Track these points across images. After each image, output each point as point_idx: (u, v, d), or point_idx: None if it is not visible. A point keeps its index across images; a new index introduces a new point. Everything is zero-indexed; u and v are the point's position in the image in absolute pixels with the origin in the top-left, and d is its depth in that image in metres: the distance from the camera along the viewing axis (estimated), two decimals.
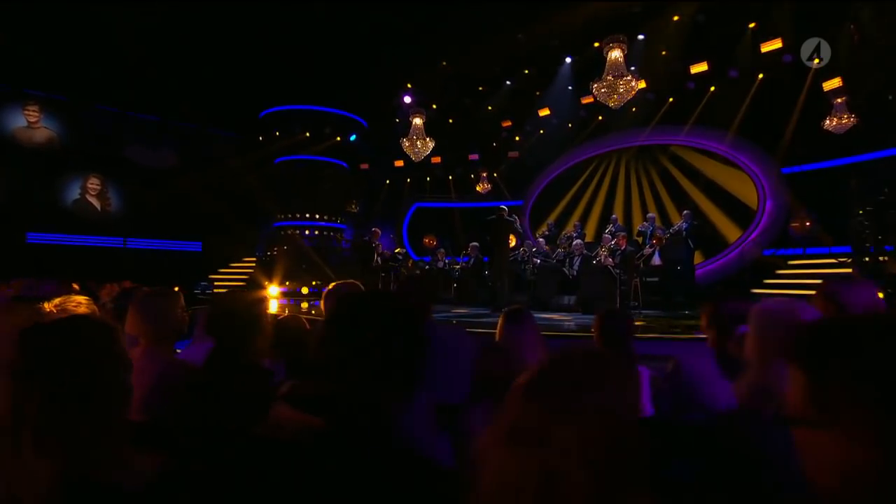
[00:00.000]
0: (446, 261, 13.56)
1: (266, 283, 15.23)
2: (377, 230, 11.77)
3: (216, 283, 15.14)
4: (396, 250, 12.97)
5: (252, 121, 17.04)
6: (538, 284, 10.96)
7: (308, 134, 15.87)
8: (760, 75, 12.13)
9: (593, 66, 13.82)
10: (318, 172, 16.48)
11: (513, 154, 17.76)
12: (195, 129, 17.09)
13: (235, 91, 15.09)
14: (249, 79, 14.70)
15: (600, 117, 15.25)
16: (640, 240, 11.92)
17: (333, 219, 16.74)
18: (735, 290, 11.24)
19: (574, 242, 11.02)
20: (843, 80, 11.14)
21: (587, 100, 14.83)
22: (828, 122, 10.92)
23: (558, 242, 12.36)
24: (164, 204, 15.55)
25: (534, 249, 11.69)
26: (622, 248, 10.31)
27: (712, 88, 12.71)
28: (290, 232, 16.18)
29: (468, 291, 11.86)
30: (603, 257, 10.07)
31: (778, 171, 12.38)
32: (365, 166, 18.17)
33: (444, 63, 14.66)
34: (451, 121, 17.15)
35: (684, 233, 11.46)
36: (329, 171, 16.65)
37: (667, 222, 12.74)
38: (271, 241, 16.55)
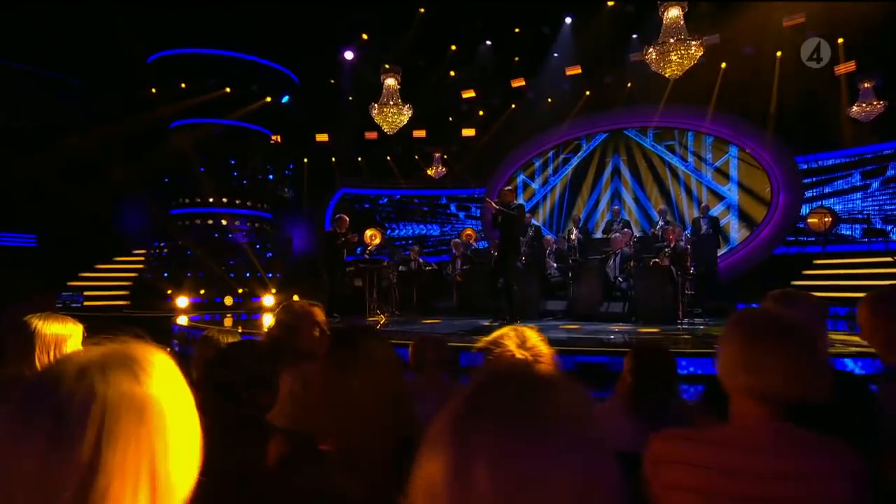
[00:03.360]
0: (421, 260, 11.88)
1: (168, 291, 12.31)
2: (344, 217, 9.79)
3: (87, 292, 12.01)
4: (370, 247, 10.99)
5: (137, 68, 13.62)
6: (571, 288, 9.72)
7: (228, 90, 13.00)
8: (779, 53, 11.92)
9: (596, 31, 12.97)
10: (236, 143, 13.66)
11: (468, 132, 16.33)
12: (35, 75, 13.30)
13: (105, 25, 11.72)
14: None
15: (588, 92, 14.34)
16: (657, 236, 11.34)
17: (260, 205, 14.05)
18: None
19: (614, 236, 9.97)
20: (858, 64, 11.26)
21: (573, 70, 13.98)
22: (855, 108, 10.92)
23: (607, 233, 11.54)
24: None
25: (554, 247, 10.44)
26: (671, 244, 9.42)
27: (723, 65, 12.31)
28: (206, 222, 13.21)
29: (470, 298, 10.26)
30: (662, 256, 9.10)
31: (792, 159, 12.31)
32: (276, 138, 15.56)
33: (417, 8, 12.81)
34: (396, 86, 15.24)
35: (707, 229, 11.01)
36: (254, 142, 13.93)
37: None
38: (168, 235, 13.45)
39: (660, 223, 12.03)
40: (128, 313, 12.03)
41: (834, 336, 7.20)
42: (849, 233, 12.13)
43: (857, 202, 12.21)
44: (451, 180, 16.77)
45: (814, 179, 12.60)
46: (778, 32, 11.61)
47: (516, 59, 14.40)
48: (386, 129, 11.57)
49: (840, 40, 11.29)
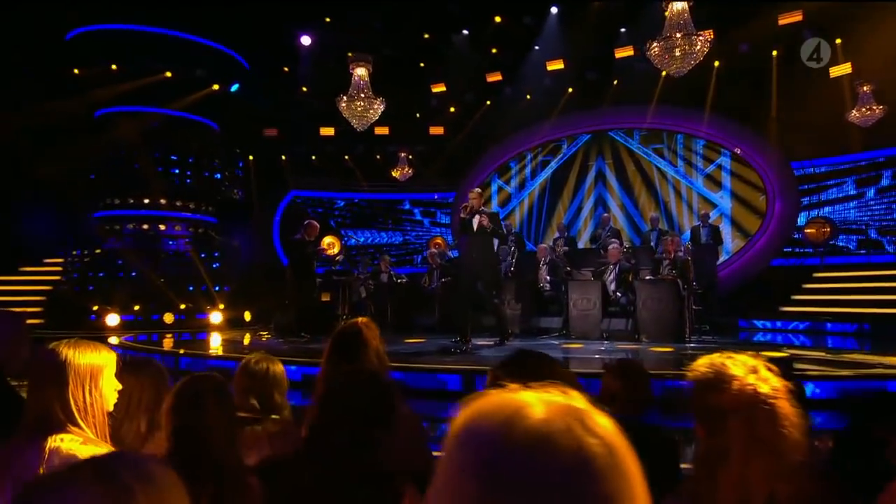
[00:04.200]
0: (391, 272, 11.75)
1: (93, 307, 11.72)
2: (314, 223, 9.61)
3: None
4: (337, 257, 10.78)
5: (56, 46, 12.90)
6: (568, 304, 9.78)
7: (169, 74, 12.48)
8: (775, 52, 12.42)
9: (582, 23, 13.17)
10: (178, 136, 13.14)
11: (436, 130, 16.31)
12: None
13: None
14: None
15: (570, 89, 14.54)
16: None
17: (205, 208, 13.54)
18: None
19: (611, 247, 10.03)
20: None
21: (555, 64, 14.16)
22: (855, 112, 11.47)
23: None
24: None
25: (548, 258, 10.47)
26: (671, 255, 9.60)
27: (716, 63, 12.71)
28: (140, 227, 12.60)
29: (448, 314, 10.16)
30: (667, 269, 9.24)
31: (788, 165, 12.82)
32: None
33: None
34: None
35: (707, 238, 11.31)
36: (198, 135, 13.44)
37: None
38: (92, 240, 12.79)
39: (652, 232, 12.26)
40: (41, 333, 11.27)
41: (849, 355, 7.50)
42: (843, 244, 12.72)
43: (852, 212, 12.83)
44: (418, 183, 16.66)
45: (807, 187, 13.16)
46: (774, 31, 12.12)
47: (494, 50, 14.46)
48: (355, 124, 11.35)
49: (838, 41, 11.86)
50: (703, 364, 1.51)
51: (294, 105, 15.29)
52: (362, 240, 17.48)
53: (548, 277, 10.57)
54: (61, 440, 1.52)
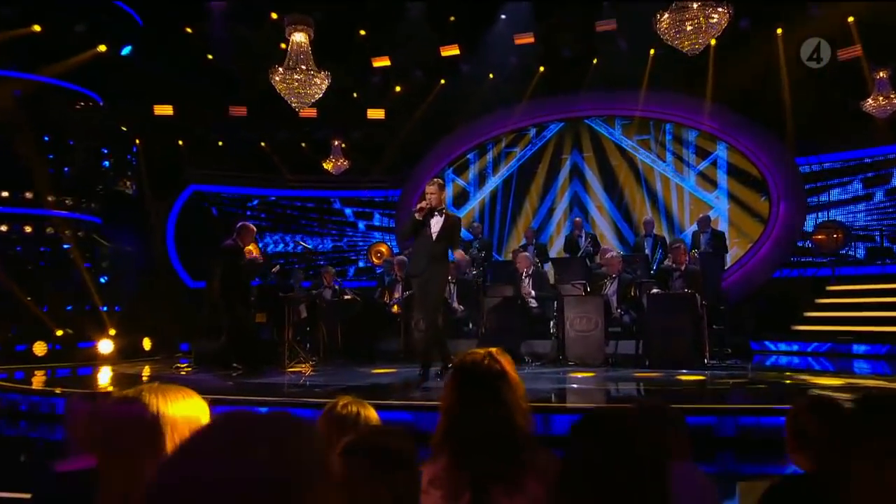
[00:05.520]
0: (336, 287, 11.32)
1: None
2: (250, 226, 9.14)
3: None
4: (273, 268, 10.28)
5: None
6: (556, 323, 9.75)
7: (38, 28, 11.54)
8: (779, 30, 12.79)
9: None
10: (51, 111, 12.18)
11: (375, 113, 15.96)
12: None
13: None
14: None
15: (542, 68, 14.51)
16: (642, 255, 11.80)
17: (86, 205, 12.64)
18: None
19: (609, 255, 9.97)
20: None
21: (523, 38, 14.11)
22: (870, 101, 11.96)
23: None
24: None
25: (531, 269, 10.30)
26: (683, 266, 9.67)
27: (713, 42, 12.93)
28: None
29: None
30: (678, 282, 9.29)
31: (793, 162, 13.23)
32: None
33: None
34: (282, 46, 14.51)
35: (707, 247, 11.52)
36: (79, 111, 12.53)
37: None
38: None
39: (646, 238, 12.31)
40: None
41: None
42: (850, 252, 13.22)
43: (860, 216, 13.37)
44: (352, 179, 16.35)
45: (810, 186, 13.62)
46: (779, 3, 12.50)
47: (451, 18, 14.22)
48: (294, 104, 11.05)
49: (850, 18, 12.31)
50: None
51: (197, 76, 14.55)
52: (280, 247, 16.84)
53: (532, 292, 10.35)
54: None
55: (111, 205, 13.37)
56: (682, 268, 9.75)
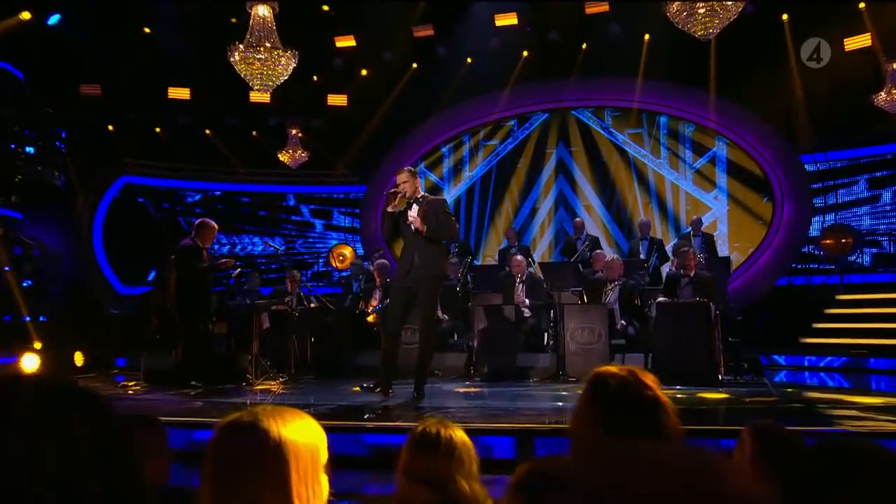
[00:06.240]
0: (302, 293, 11.15)
1: None
2: (211, 223, 8.97)
3: None
4: (233, 272, 10.02)
5: None
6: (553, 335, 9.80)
7: None
8: (785, 16, 13.01)
9: None
10: None
11: (337, 99, 15.81)
12: None
13: None
14: None
15: (525, 53, 14.52)
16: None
17: (3, 197, 12.26)
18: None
19: (608, 259, 10.02)
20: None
21: (505, 19, 14.12)
22: (882, 95, 12.23)
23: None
24: None
25: (526, 273, 10.26)
26: (692, 272, 9.73)
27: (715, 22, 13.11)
28: None
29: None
30: (687, 289, 9.33)
31: (798, 160, 13.48)
32: None
33: None
34: (233, 20, 14.29)
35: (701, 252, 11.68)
36: None
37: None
38: None
39: (641, 242, 12.36)
40: None
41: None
42: (859, 259, 13.51)
43: (865, 219, 13.67)
44: (308, 173, 16.24)
45: (814, 187, 13.89)
46: None
47: None
48: (257, 86, 10.94)
49: (861, 4, 12.58)
50: None
51: (133, 52, 14.20)
52: (227, 248, 16.52)
53: (527, 300, 10.29)
54: None
55: (33, 197, 12.90)
56: (692, 274, 9.77)
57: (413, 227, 7.07)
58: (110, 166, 15.82)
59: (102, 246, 15.67)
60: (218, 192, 17.03)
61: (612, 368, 2.24)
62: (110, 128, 15.53)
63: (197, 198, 16.87)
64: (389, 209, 7.13)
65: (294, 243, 16.85)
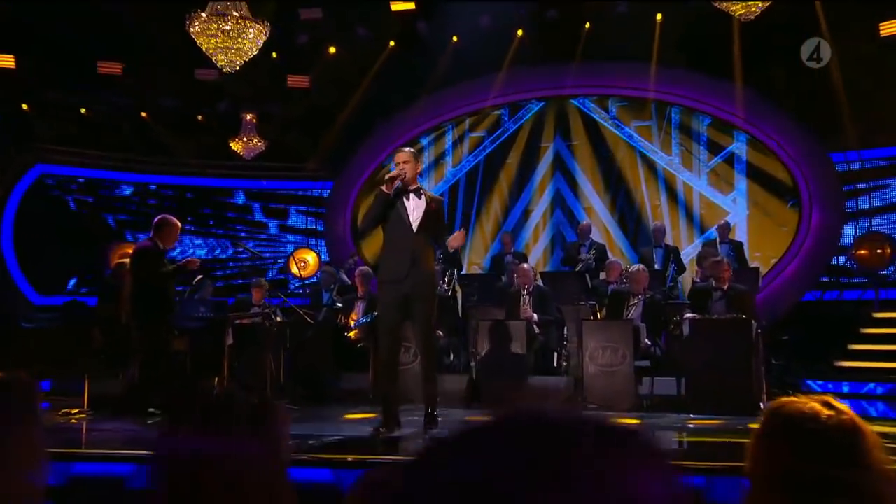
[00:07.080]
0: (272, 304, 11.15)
1: None
2: (173, 220, 8.87)
3: None
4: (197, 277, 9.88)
5: None
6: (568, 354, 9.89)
7: None
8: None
9: None
10: None
11: (297, 80, 15.71)
12: None
13: None
14: None
15: (520, 32, 14.49)
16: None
17: None
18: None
19: (632, 269, 9.99)
20: None
21: None
22: None
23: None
24: None
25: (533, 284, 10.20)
26: (726, 285, 9.73)
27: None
28: None
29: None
30: (720, 304, 9.35)
31: (828, 160, 13.60)
32: None
33: None
34: None
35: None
36: None
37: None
38: None
39: (655, 250, 12.30)
40: None
41: None
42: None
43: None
44: (262, 166, 16.17)
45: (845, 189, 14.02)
46: None
47: None
48: (221, 62, 11.02)
49: None
50: None
51: (56, 18, 14.09)
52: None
53: (535, 315, 10.17)
54: None
55: None
56: (725, 287, 9.72)
57: (412, 221, 6.85)
58: (23, 153, 15.85)
59: (13, 248, 15.63)
60: (152, 186, 16.82)
61: (802, 401, 2.17)
62: (25, 107, 15.47)
63: (127, 191, 16.64)
64: (385, 189, 6.86)
65: (247, 245, 16.56)
